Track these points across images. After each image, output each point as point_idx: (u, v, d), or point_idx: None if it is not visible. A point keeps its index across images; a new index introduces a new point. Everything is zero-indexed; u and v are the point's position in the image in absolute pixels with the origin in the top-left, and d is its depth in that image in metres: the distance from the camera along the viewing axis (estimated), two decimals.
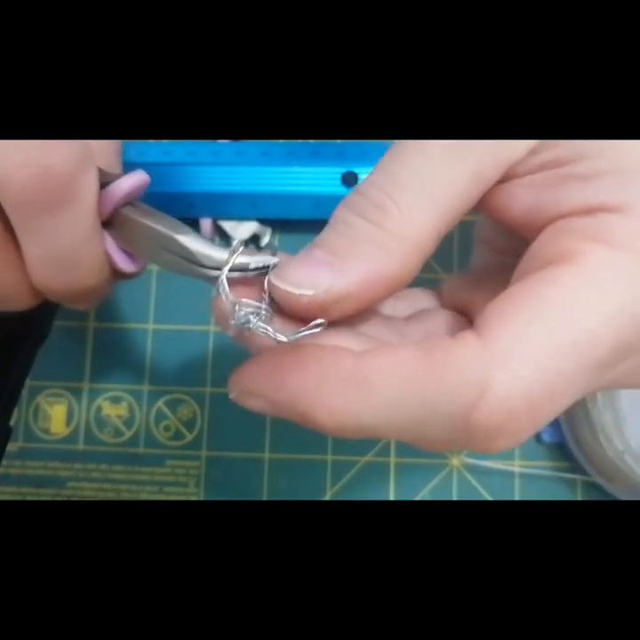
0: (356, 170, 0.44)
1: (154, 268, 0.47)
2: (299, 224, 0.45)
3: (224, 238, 0.47)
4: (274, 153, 0.44)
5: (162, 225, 0.26)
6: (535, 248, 0.23)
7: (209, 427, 0.46)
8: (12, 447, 0.45)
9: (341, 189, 0.43)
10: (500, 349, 0.20)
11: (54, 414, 0.46)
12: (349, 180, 0.44)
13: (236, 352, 0.46)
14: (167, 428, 0.46)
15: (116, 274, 0.29)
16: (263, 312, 0.24)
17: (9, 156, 0.22)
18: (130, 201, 0.28)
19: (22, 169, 0.23)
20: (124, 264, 0.29)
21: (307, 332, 0.24)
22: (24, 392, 0.46)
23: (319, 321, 0.24)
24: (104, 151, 0.30)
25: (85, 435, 0.46)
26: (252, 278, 0.25)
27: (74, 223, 0.25)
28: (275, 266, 0.25)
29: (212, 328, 0.46)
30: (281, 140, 0.48)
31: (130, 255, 0.29)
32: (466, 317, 0.27)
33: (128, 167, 0.43)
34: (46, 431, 0.46)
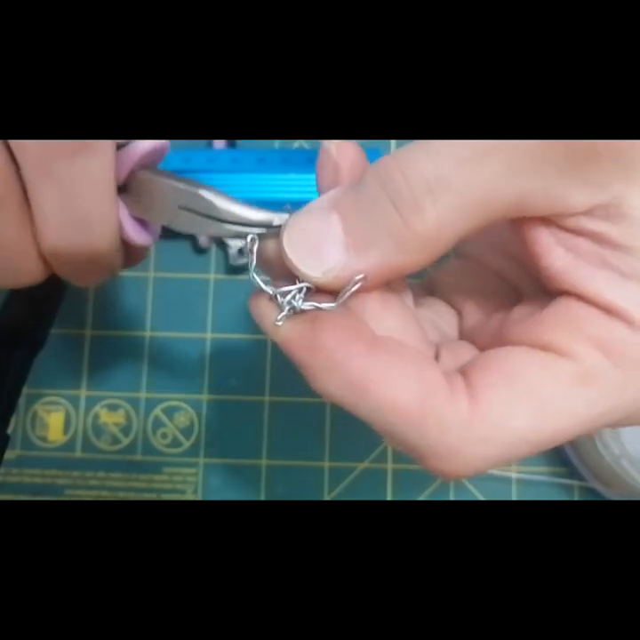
0: None
1: (150, 275, 0.47)
2: None
3: (220, 245, 0.47)
4: (270, 160, 0.44)
5: (183, 183, 0.26)
6: (545, 317, 0.23)
7: (206, 434, 0.46)
8: (9, 455, 0.45)
9: None
10: (483, 428, 0.22)
11: (52, 422, 0.46)
12: None
13: (233, 359, 0.46)
14: (164, 436, 0.46)
15: (127, 246, 0.28)
16: (304, 289, 0.24)
17: None
18: (147, 164, 0.27)
19: None
20: (136, 234, 0.28)
21: (347, 296, 0.23)
22: (21, 400, 0.46)
23: (358, 278, 0.23)
24: None
25: (83, 442, 0.46)
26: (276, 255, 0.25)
27: (90, 175, 0.25)
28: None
29: (209, 335, 0.46)
30: (277, 148, 0.48)
31: (143, 226, 0.28)
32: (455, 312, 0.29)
33: None
34: (44, 439, 0.46)
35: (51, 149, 0.24)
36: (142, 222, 0.28)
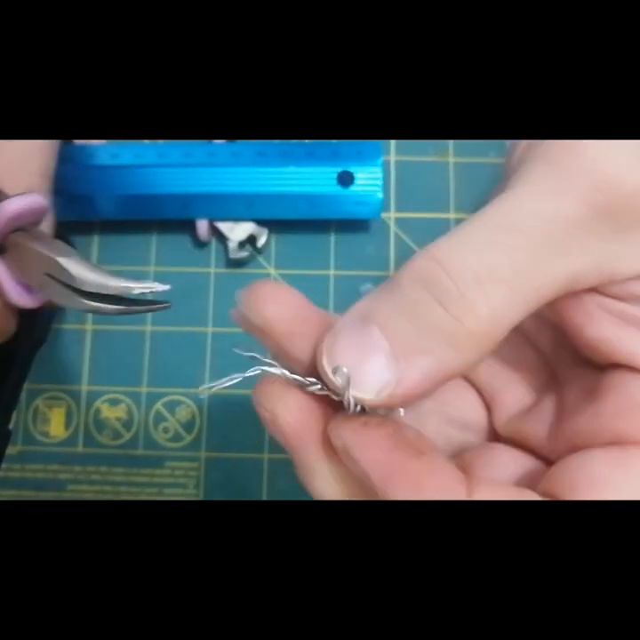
0: (351, 169, 0.44)
1: (151, 269, 0.47)
2: (295, 224, 0.45)
3: (220, 239, 0.47)
4: (269, 153, 0.44)
5: (48, 249, 0.25)
6: (607, 405, 0.22)
7: (208, 428, 0.46)
8: (11, 450, 0.45)
9: (337, 189, 0.43)
10: None
11: (53, 417, 0.46)
12: (345, 179, 0.44)
13: (234, 353, 0.46)
14: (166, 430, 0.46)
15: (10, 307, 0.27)
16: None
17: None
18: (22, 226, 0.26)
19: None
20: (18, 295, 0.26)
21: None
22: (23, 395, 0.46)
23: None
24: (29, 169, 0.28)
25: (84, 437, 0.46)
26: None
27: None
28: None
29: (210, 329, 0.46)
30: (276, 141, 0.48)
31: (27, 287, 0.27)
32: (484, 399, 0.27)
33: (127, 169, 0.43)
34: (46, 434, 0.46)
35: None
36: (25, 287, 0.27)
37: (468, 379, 0.27)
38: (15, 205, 0.25)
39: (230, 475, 0.46)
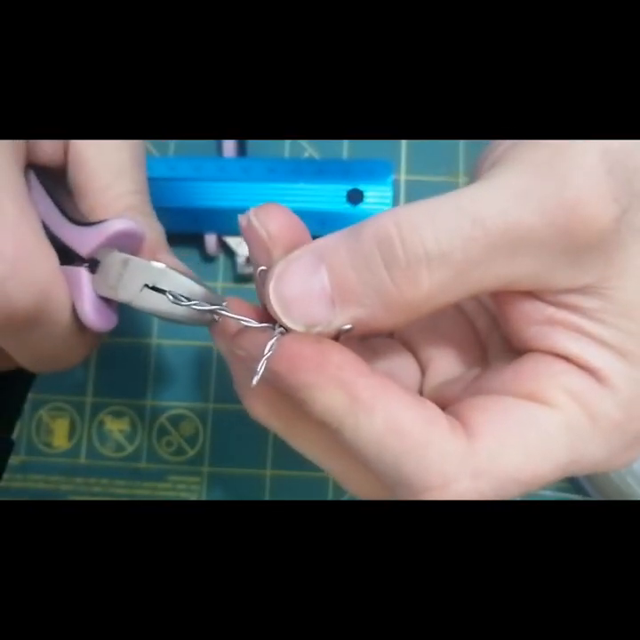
0: (361, 187, 0.44)
1: None
2: None
3: (229, 254, 0.47)
4: (280, 170, 0.45)
5: (150, 261, 0.26)
6: (525, 369, 0.24)
7: (211, 443, 0.46)
8: (14, 460, 0.45)
9: (347, 207, 0.44)
10: (479, 462, 0.22)
11: (57, 428, 0.46)
12: (355, 197, 0.44)
13: None
14: (169, 444, 0.46)
15: (85, 329, 0.28)
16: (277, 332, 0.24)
17: None
18: (116, 245, 0.27)
19: None
20: (94, 314, 0.28)
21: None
22: (26, 406, 0.46)
23: (345, 328, 0.23)
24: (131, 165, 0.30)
25: (87, 449, 0.46)
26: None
27: (50, 335, 0.27)
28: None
29: (215, 345, 0.46)
30: (287, 157, 0.48)
31: (107, 309, 0.28)
32: (420, 365, 0.29)
33: None
34: (48, 445, 0.46)
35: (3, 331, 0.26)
36: (102, 308, 0.28)
37: (407, 346, 0.29)
38: (116, 226, 0.27)
39: (232, 490, 0.45)
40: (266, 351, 0.23)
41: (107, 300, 0.28)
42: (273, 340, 0.23)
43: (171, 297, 0.26)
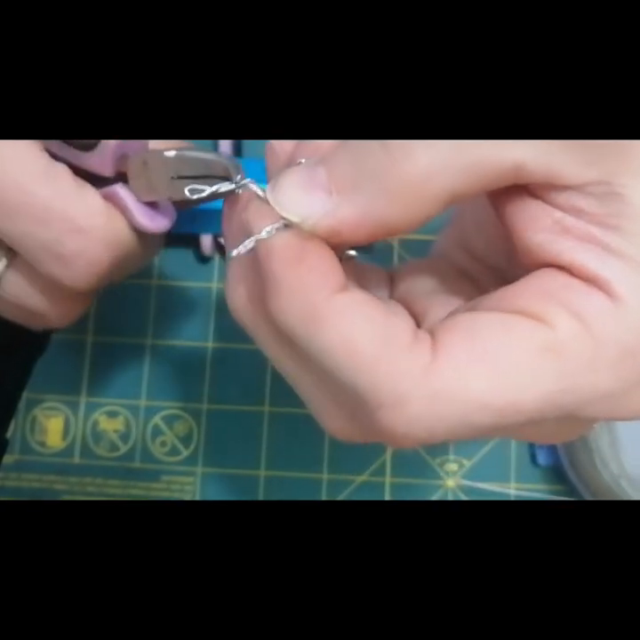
0: None
1: (153, 282, 0.47)
2: None
3: (223, 254, 0.47)
4: None
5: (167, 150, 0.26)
6: (521, 285, 0.23)
7: (205, 443, 0.46)
8: (8, 459, 0.45)
9: None
10: (437, 383, 0.21)
11: (51, 427, 0.46)
12: None
13: (234, 368, 0.46)
14: (163, 444, 0.46)
15: (140, 233, 0.29)
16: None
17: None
18: (130, 150, 0.27)
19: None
20: (146, 219, 0.28)
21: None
22: (21, 404, 0.46)
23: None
24: None
25: (81, 448, 0.46)
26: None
27: (129, 257, 0.29)
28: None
29: (211, 344, 0.46)
30: None
31: (155, 211, 0.28)
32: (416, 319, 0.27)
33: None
34: (42, 444, 0.46)
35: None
36: (152, 211, 0.28)
37: (402, 302, 0.28)
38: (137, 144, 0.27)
39: (226, 490, 0.45)
40: (261, 232, 0.23)
41: (153, 202, 0.28)
42: (271, 227, 0.23)
43: (188, 193, 0.26)
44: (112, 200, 0.27)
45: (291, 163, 0.24)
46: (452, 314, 0.24)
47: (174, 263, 0.47)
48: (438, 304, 0.27)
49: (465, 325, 0.22)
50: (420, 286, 0.28)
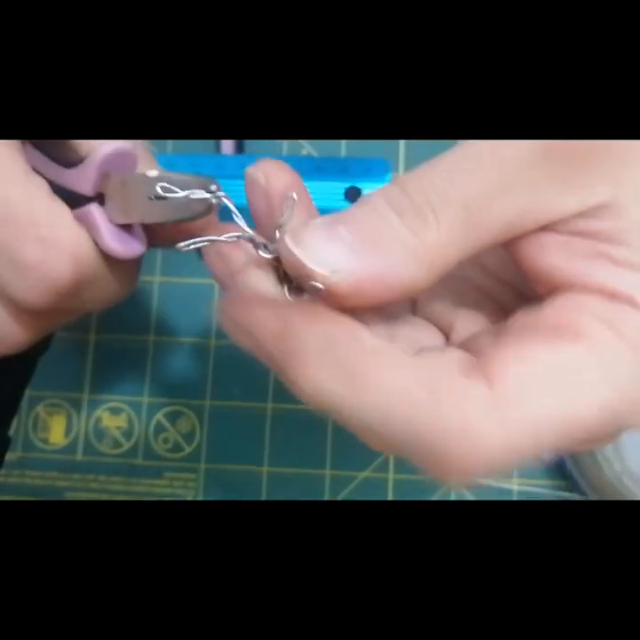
0: (359, 185, 0.44)
1: (156, 280, 0.47)
2: None
3: None
4: None
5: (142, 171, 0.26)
6: (548, 310, 0.23)
7: (208, 439, 0.46)
8: (10, 457, 0.45)
9: (345, 205, 0.43)
10: (503, 406, 0.21)
11: (53, 424, 0.46)
12: (352, 195, 0.44)
13: (236, 366, 0.46)
14: (166, 441, 0.46)
15: (110, 257, 0.27)
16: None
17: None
18: (112, 170, 0.26)
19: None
20: (114, 242, 0.27)
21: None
22: (24, 402, 0.46)
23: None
24: None
25: (84, 445, 0.46)
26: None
27: (96, 282, 0.27)
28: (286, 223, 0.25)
29: (213, 342, 0.46)
30: (285, 154, 0.48)
31: (125, 234, 0.28)
32: (440, 332, 0.28)
33: None
34: (45, 441, 0.46)
35: None
36: (123, 235, 0.28)
37: (430, 319, 0.28)
38: (106, 149, 0.26)
39: (229, 487, 0.45)
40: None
41: (127, 227, 0.28)
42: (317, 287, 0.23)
43: (160, 190, 0.25)
44: (84, 220, 0.27)
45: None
46: (479, 333, 0.26)
47: (176, 260, 0.47)
48: (463, 319, 0.27)
49: (512, 348, 0.22)
50: (442, 302, 0.28)
